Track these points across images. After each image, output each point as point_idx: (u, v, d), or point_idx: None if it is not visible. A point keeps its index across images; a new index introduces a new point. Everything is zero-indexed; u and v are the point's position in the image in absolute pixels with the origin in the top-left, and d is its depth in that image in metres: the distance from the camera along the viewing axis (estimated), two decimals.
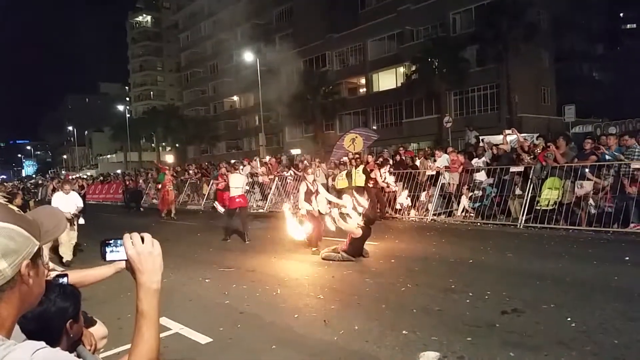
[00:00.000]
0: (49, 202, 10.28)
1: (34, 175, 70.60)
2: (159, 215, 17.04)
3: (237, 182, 10.97)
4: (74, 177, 35.36)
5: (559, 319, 4.73)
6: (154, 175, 22.55)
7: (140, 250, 1.31)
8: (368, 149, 19.56)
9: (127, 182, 23.83)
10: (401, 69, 37.78)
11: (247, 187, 18.52)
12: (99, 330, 2.15)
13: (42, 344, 0.99)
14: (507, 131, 13.29)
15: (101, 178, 31.73)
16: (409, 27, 37.12)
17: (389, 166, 13.76)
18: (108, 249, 1.45)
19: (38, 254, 1.08)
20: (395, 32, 38.21)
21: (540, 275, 6.29)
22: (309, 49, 44.36)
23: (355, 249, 8.05)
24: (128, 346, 1.34)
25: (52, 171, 66.00)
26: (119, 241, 1.40)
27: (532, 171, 10.81)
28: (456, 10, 34.76)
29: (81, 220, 10.25)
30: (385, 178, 13.05)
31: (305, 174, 9.70)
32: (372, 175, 12.89)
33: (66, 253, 9.21)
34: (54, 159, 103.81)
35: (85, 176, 41.14)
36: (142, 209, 21.21)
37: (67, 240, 9.18)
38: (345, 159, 16.05)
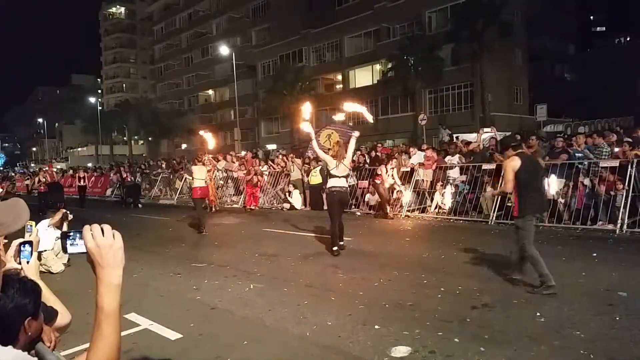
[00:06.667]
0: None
1: (1, 168, 68.68)
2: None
3: (201, 174, 11.38)
4: (57, 168, 34.17)
5: (528, 314, 4.80)
6: (189, 168, 20.22)
7: (101, 243, 1.26)
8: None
9: (125, 176, 20.80)
10: (377, 66, 37.96)
11: (222, 180, 18.42)
12: (60, 319, 2.05)
13: None
14: (486, 129, 13.42)
15: (71, 172, 30.32)
16: (385, 24, 37.29)
17: (394, 162, 12.77)
18: (68, 242, 1.38)
19: None
20: (372, 29, 38.31)
21: (510, 271, 6.36)
22: (285, 43, 44.14)
23: None
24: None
25: (21, 164, 64.24)
26: (78, 234, 1.34)
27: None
28: (432, 9, 35.01)
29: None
30: (392, 175, 12.43)
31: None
32: (378, 171, 12.64)
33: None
34: (23, 151, 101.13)
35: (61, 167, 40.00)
36: (140, 205, 18.73)
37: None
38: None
